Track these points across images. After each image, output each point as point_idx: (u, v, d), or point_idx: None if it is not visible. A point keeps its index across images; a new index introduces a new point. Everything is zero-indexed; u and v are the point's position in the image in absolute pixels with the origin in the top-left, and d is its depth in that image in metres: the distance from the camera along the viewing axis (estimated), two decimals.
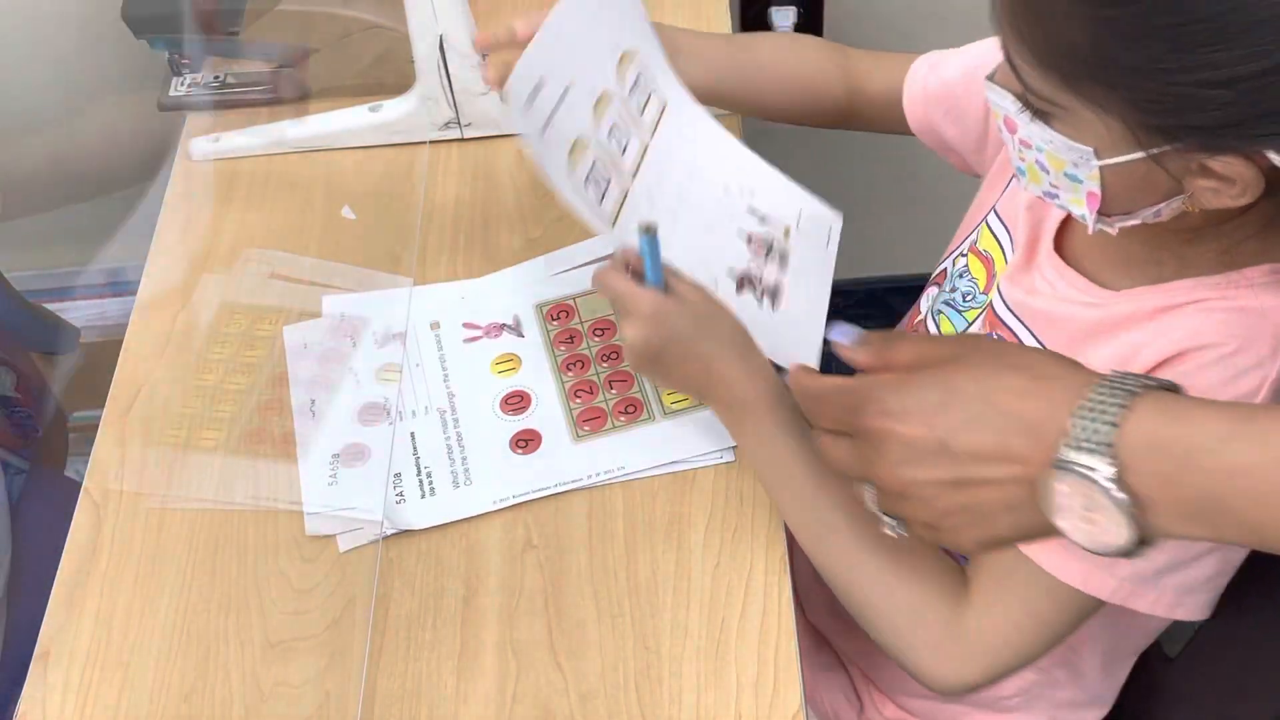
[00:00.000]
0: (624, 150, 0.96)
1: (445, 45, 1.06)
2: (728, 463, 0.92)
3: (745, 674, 0.83)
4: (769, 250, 0.99)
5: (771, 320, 0.96)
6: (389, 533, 0.91)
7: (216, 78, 1.22)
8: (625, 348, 0.89)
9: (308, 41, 1.19)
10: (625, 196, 0.94)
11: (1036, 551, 0.78)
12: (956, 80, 1.00)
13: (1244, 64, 0.63)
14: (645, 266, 0.87)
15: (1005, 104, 0.74)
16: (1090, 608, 0.79)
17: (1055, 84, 0.70)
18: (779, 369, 0.90)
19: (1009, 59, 0.72)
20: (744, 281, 0.96)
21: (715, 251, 0.97)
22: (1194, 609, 0.80)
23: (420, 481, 0.94)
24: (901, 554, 0.83)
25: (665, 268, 0.87)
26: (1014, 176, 0.81)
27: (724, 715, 0.81)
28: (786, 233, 1.02)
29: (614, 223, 0.93)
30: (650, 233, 0.85)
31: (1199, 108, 0.65)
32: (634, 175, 0.96)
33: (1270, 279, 0.75)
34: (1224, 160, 0.67)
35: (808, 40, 1.09)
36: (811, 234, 1.03)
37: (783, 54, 1.07)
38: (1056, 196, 0.77)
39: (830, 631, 1.09)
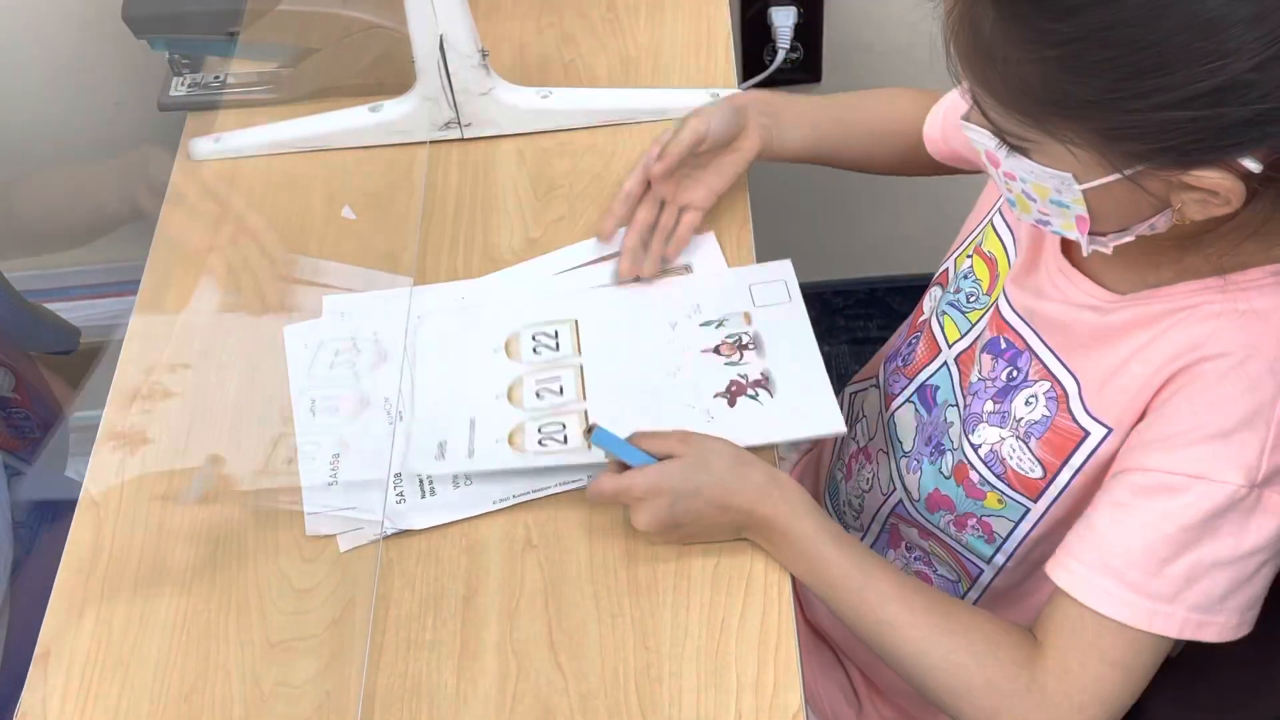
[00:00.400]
0: (561, 391, 0.97)
1: (445, 45, 1.06)
2: None
3: (745, 674, 0.83)
4: (741, 347, 0.99)
5: (779, 407, 0.95)
6: (389, 532, 0.91)
7: (216, 78, 1.22)
8: (645, 533, 0.88)
9: (308, 41, 1.19)
10: (585, 416, 0.95)
11: (1100, 601, 0.77)
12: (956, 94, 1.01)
13: (1194, 84, 0.63)
14: (619, 456, 0.88)
15: (984, 140, 0.75)
16: (1165, 645, 0.78)
17: (1019, 122, 0.70)
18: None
19: (975, 101, 0.73)
20: (734, 392, 0.96)
21: (694, 388, 0.97)
22: (1248, 624, 0.79)
23: (420, 481, 0.94)
24: (966, 631, 0.82)
25: (639, 435, 0.88)
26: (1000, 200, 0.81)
27: (724, 715, 0.81)
28: (747, 317, 1.01)
29: (591, 446, 0.92)
30: (591, 432, 0.88)
31: (1161, 130, 0.66)
32: (584, 398, 0.97)
33: (1271, 280, 0.75)
34: (1200, 174, 0.68)
35: (907, 95, 1.09)
36: (771, 300, 1.03)
37: (883, 110, 1.09)
38: (1049, 223, 0.77)
39: (830, 631, 1.09)
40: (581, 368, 0.99)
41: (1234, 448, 0.74)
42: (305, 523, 0.92)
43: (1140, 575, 0.76)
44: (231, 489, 0.96)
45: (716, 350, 0.99)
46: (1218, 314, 0.76)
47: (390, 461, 0.94)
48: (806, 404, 0.95)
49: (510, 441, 0.94)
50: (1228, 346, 0.75)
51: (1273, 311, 0.75)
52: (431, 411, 0.96)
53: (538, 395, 0.97)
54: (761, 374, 0.97)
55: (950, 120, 1.03)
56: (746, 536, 0.88)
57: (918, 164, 1.08)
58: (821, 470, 1.13)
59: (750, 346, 0.99)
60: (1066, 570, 0.80)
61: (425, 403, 0.97)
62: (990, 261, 0.94)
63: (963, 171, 1.06)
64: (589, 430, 0.88)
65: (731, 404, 0.95)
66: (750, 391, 0.96)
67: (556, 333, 1.01)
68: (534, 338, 1.01)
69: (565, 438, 0.93)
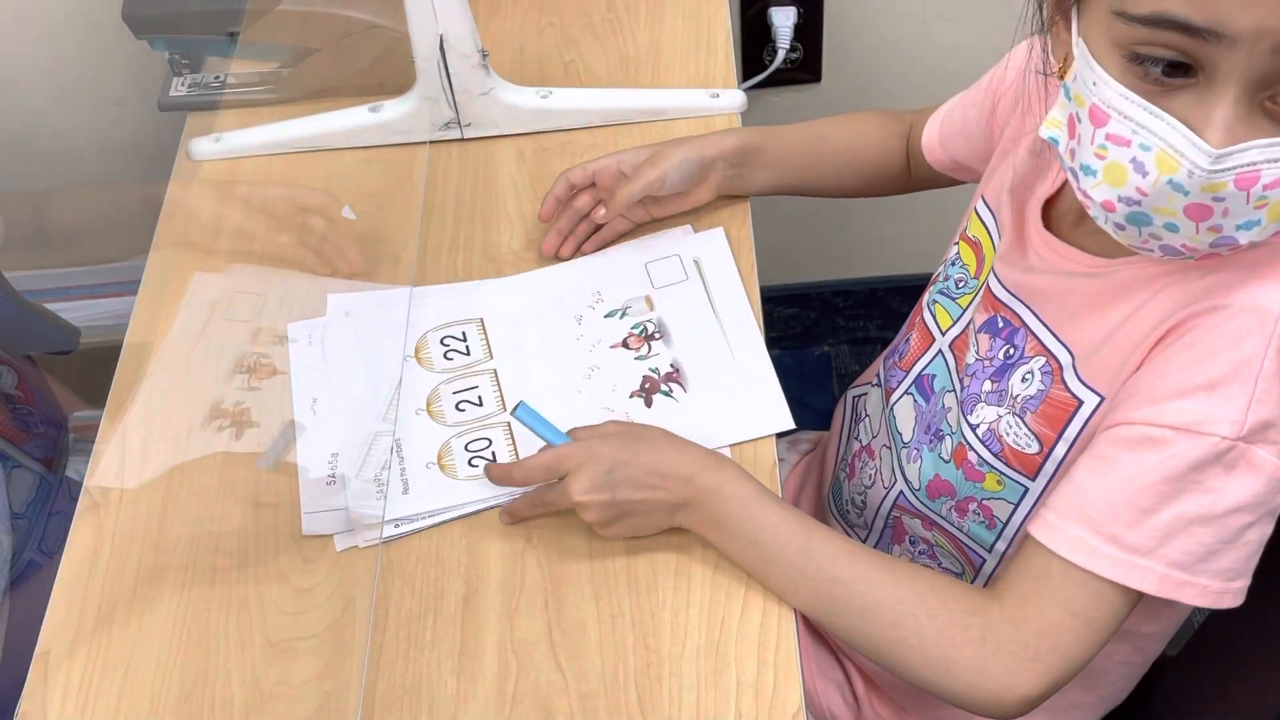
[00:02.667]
0: (481, 402, 0.97)
1: (445, 45, 1.06)
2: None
3: (745, 674, 0.83)
4: (648, 338, 0.99)
5: (697, 406, 0.96)
6: (389, 536, 0.91)
7: (216, 78, 1.22)
8: (583, 508, 0.86)
9: (308, 41, 1.19)
10: (510, 429, 0.96)
11: (1075, 552, 0.76)
12: (954, 105, 1.04)
13: None
14: (543, 435, 0.89)
15: (1278, 150, 0.66)
16: (1129, 602, 0.77)
17: None
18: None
19: None
20: (648, 390, 0.97)
21: (610, 389, 0.97)
22: (1234, 595, 0.77)
23: (424, 468, 0.94)
24: (914, 582, 0.81)
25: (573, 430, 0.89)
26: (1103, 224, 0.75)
27: (724, 715, 0.81)
28: (649, 302, 1.02)
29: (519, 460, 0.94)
30: (519, 409, 0.88)
31: None
32: (505, 408, 0.97)
33: (1263, 239, 0.75)
34: None
35: (873, 119, 1.10)
36: (668, 280, 1.04)
37: (850, 138, 1.10)
38: None
39: (828, 632, 1.08)
40: (496, 373, 0.99)
41: (1219, 400, 0.73)
42: (303, 522, 0.92)
43: (1119, 527, 0.75)
44: (232, 488, 0.96)
45: (625, 344, 0.99)
46: (1211, 270, 0.75)
47: (391, 458, 0.94)
48: (724, 409, 0.95)
49: (440, 464, 0.94)
50: (1218, 300, 0.74)
51: (1263, 265, 0.75)
52: (353, 431, 0.96)
53: (458, 408, 0.97)
54: (672, 365, 0.98)
55: (948, 128, 1.04)
56: (681, 522, 0.87)
57: (888, 186, 1.12)
58: (826, 471, 1.13)
59: (657, 336, 1.00)
60: (1042, 521, 0.79)
61: (345, 418, 0.97)
62: (975, 246, 0.95)
63: (939, 185, 1.09)
64: (514, 409, 0.88)
65: (648, 404, 0.96)
66: (664, 387, 0.96)
67: (464, 334, 1.01)
68: (443, 341, 1.01)
69: (493, 455, 0.94)
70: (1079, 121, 0.73)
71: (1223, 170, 0.67)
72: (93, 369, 1.08)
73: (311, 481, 0.94)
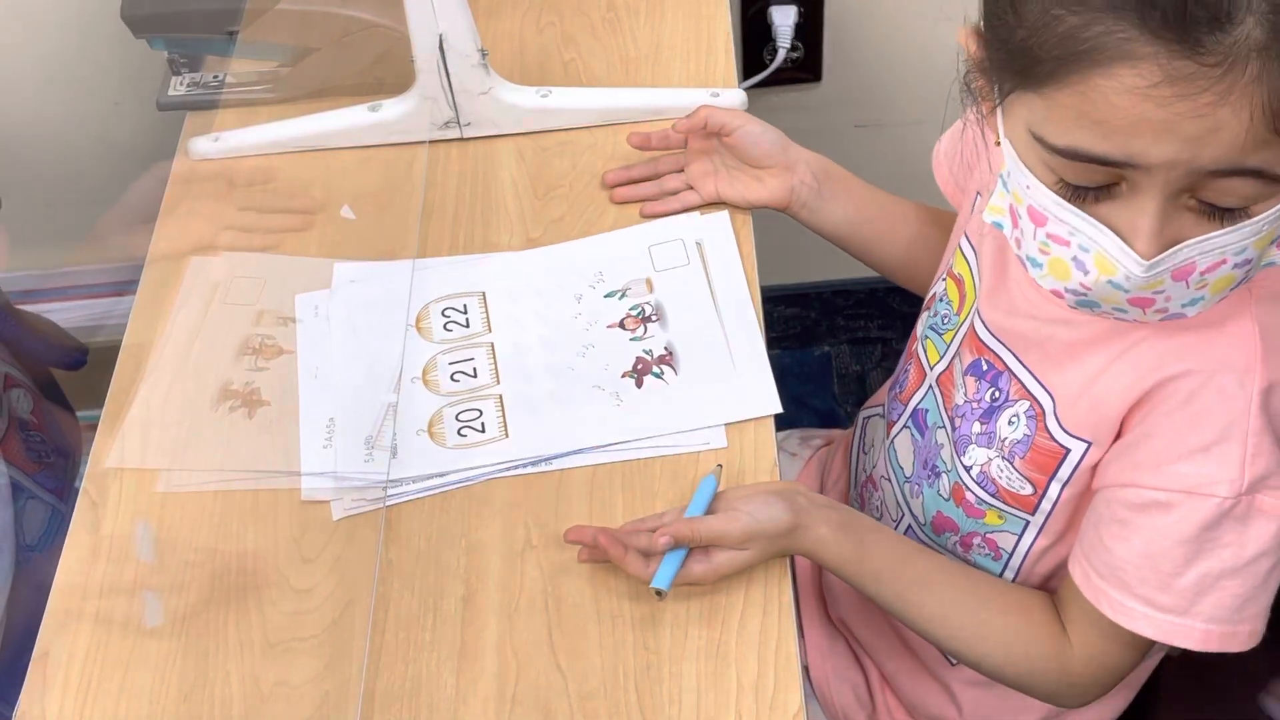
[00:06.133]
0: (475, 374, 0.98)
1: (445, 45, 1.06)
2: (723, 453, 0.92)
3: (745, 674, 0.83)
4: (645, 319, 1.00)
5: (683, 390, 0.96)
6: (391, 501, 0.91)
7: (216, 77, 1.22)
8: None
9: (307, 41, 1.19)
10: (502, 401, 0.96)
11: (1116, 613, 0.81)
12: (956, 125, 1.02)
13: None
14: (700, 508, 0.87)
15: (1210, 244, 0.68)
16: None
17: None
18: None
19: (1232, 166, 0.65)
20: (640, 371, 0.97)
21: (603, 368, 0.98)
22: (1263, 630, 0.80)
23: (414, 434, 0.95)
24: (999, 635, 0.88)
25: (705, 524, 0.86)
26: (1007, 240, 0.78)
27: (724, 715, 0.81)
28: (649, 284, 1.03)
29: (507, 433, 0.95)
30: (663, 590, 0.84)
31: None
32: (498, 381, 0.98)
33: (1231, 293, 0.75)
34: None
35: (946, 216, 1.07)
36: (670, 264, 1.04)
37: (917, 222, 1.09)
38: (1249, 275, 0.72)
39: (853, 627, 1.08)
40: (493, 346, 1.00)
41: (1215, 461, 0.76)
42: (302, 483, 0.93)
43: (1149, 590, 0.79)
44: (236, 457, 0.96)
45: (621, 325, 1.00)
46: (1183, 329, 0.76)
47: (394, 426, 0.95)
48: (711, 391, 0.96)
49: (430, 432, 0.95)
50: (1196, 363, 0.76)
51: (1234, 322, 0.76)
52: (354, 396, 0.97)
53: (453, 379, 0.98)
54: (665, 348, 0.98)
55: (951, 147, 1.02)
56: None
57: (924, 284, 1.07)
58: (844, 489, 1.13)
59: (653, 319, 1.00)
60: (1084, 576, 0.83)
61: (344, 385, 0.98)
62: (959, 282, 0.95)
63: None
64: (671, 548, 0.84)
65: (639, 384, 0.97)
66: (655, 369, 0.97)
67: (465, 306, 1.02)
68: (444, 313, 1.02)
69: (483, 425, 0.95)
70: (1020, 216, 0.75)
71: (1157, 272, 0.70)
72: (93, 369, 1.08)
73: (311, 446, 0.95)
